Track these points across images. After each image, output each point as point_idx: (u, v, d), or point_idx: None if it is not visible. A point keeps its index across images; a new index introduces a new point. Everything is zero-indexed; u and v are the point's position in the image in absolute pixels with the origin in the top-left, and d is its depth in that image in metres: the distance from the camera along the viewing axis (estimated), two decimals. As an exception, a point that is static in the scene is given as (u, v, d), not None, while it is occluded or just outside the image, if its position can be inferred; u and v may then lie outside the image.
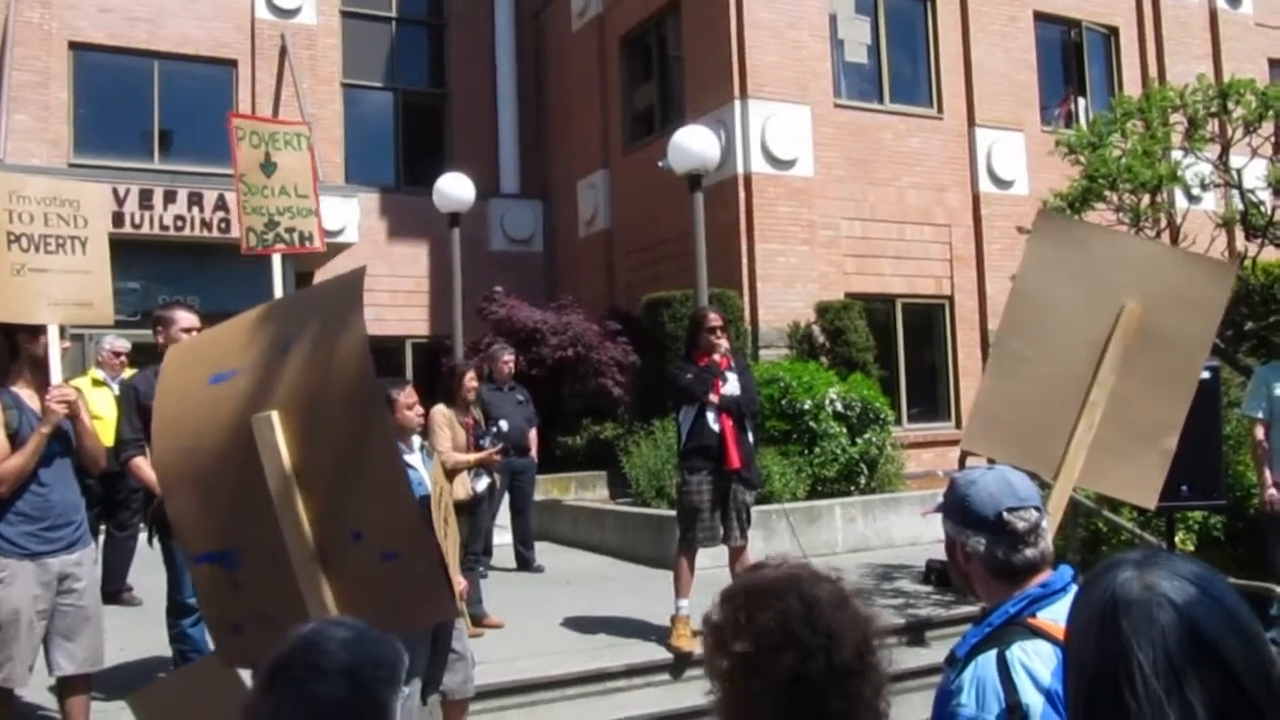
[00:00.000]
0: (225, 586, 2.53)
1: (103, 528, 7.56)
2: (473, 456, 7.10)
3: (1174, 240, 8.81)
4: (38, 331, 4.64)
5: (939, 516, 2.29)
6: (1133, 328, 3.08)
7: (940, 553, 7.95)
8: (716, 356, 6.59)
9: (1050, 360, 3.17)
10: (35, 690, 5.13)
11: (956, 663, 2.08)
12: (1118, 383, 3.07)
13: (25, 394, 4.63)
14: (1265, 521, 6.56)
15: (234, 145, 6.56)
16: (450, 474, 6.78)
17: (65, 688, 4.80)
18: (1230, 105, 7.54)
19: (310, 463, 2.41)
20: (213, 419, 2.51)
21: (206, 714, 2.51)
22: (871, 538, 10.17)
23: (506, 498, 9.26)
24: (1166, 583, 1.18)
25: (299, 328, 2.48)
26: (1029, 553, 2.12)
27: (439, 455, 6.71)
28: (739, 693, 1.50)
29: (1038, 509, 2.17)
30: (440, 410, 7.14)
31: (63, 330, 4.81)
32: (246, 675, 2.51)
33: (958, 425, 13.90)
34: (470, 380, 7.50)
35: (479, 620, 7.00)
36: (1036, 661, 1.96)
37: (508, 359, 9.40)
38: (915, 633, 7.07)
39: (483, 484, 7.07)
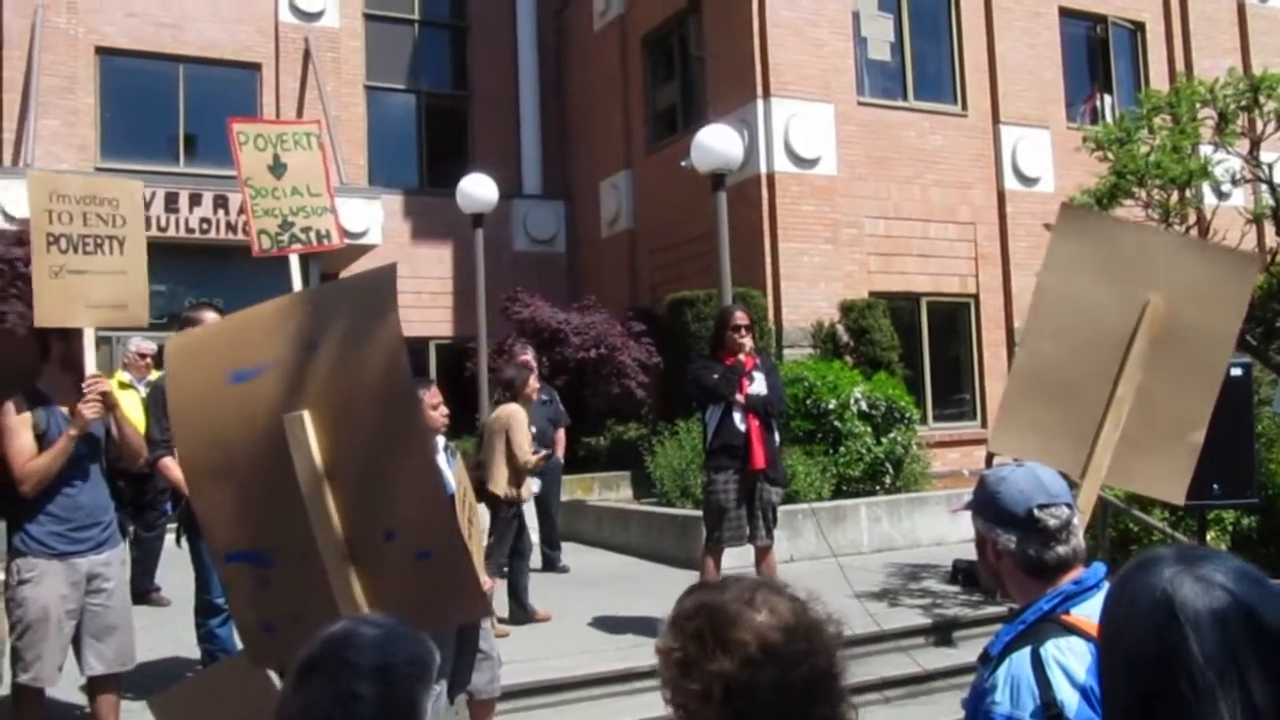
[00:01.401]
0: (255, 586, 2.53)
1: (131, 528, 7.61)
2: (537, 457, 7.22)
3: (1203, 236, 8.71)
4: (68, 333, 4.66)
5: (966, 515, 2.26)
6: (1158, 322, 3.04)
7: (967, 552, 7.90)
8: (742, 356, 6.58)
9: (1076, 357, 3.14)
10: (67, 690, 5.17)
11: (990, 660, 2.06)
12: (1144, 378, 3.04)
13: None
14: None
15: (236, 151, 6.56)
16: (523, 473, 6.95)
17: (95, 687, 4.84)
18: (1262, 99, 7.45)
19: (342, 462, 2.41)
20: (241, 417, 2.49)
21: (231, 716, 2.51)
22: (897, 538, 10.12)
23: (532, 498, 9.26)
24: (1220, 575, 1.16)
25: (328, 325, 2.46)
26: (1061, 550, 2.10)
27: (518, 455, 6.90)
28: (720, 714, 1.47)
29: (1069, 505, 2.14)
30: (519, 409, 7.16)
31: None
32: (275, 676, 2.52)
33: (983, 424, 13.81)
34: (534, 381, 7.56)
35: (531, 615, 7.12)
36: (1071, 658, 1.94)
37: (527, 358, 9.39)
38: (943, 633, 7.03)
39: (536, 486, 7.26)
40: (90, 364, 4.58)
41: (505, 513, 7.11)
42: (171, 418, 2.68)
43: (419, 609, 2.14)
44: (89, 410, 4.52)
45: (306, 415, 2.41)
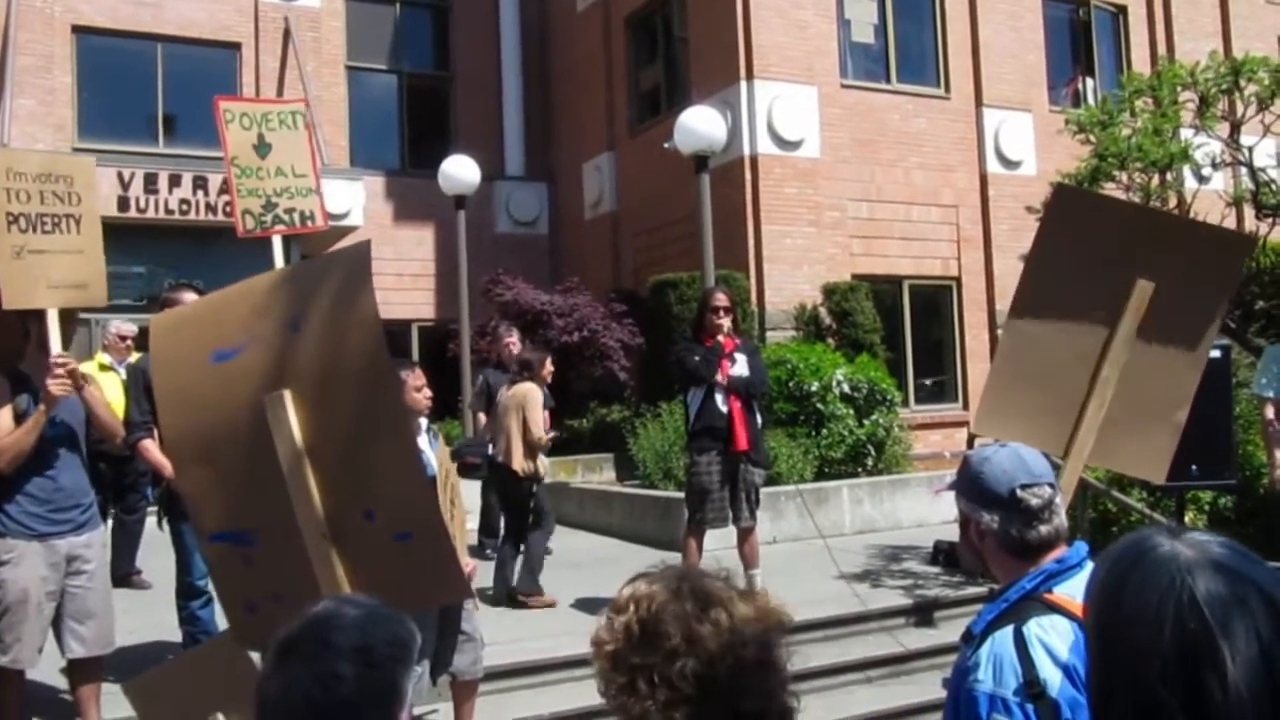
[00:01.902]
0: (238, 565, 2.52)
1: (112, 511, 7.57)
2: (550, 436, 7.60)
3: (1183, 219, 8.75)
4: (44, 315, 4.61)
5: (947, 497, 2.27)
6: (1145, 303, 3.06)
7: (948, 534, 7.96)
8: (721, 337, 6.58)
9: (1061, 339, 3.15)
10: (47, 672, 5.15)
11: (973, 639, 2.07)
12: (1130, 359, 3.05)
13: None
14: (1274, 501, 6.54)
15: (222, 129, 6.49)
16: (537, 450, 7.22)
17: (76, 671, 4.82)
18: (1242, 82, 7.48)
19: (323, 442, 2.40)
20: (222, 397, 2.48)
21: (206, 698, 2.50)
22: (879, 519, 10.17)
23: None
24: (1247, 565, 1.14)
25: (306, 304, 2.45)
26: (1043, 529, 2.11)
27: (533, 431, 7.18)
28: (644, 708, 1.46)
29: (1051, 485, 2.15)
30: (535, 388, 7.38)
31: (74, 314, 4.80)
32: (256, 658, 2.51)
33: (965, 406, 13.88)
34: (549, 364, 7.75)
35: (531, 595, 7.21)
36: (1054, 637, 1.95)
37: (510, 340, 9.38)
38: (923, 613, 7.07)
39: (547, 464, 7.58)
40: (55, 344, 4.51)
41: (522, 487, 7.30)
42: (157, 399, 2.67)
43: (399, 590, 2.14)
44: (56, 387, 4.47)
45: (287, 394, 2.40)
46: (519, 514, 7.42)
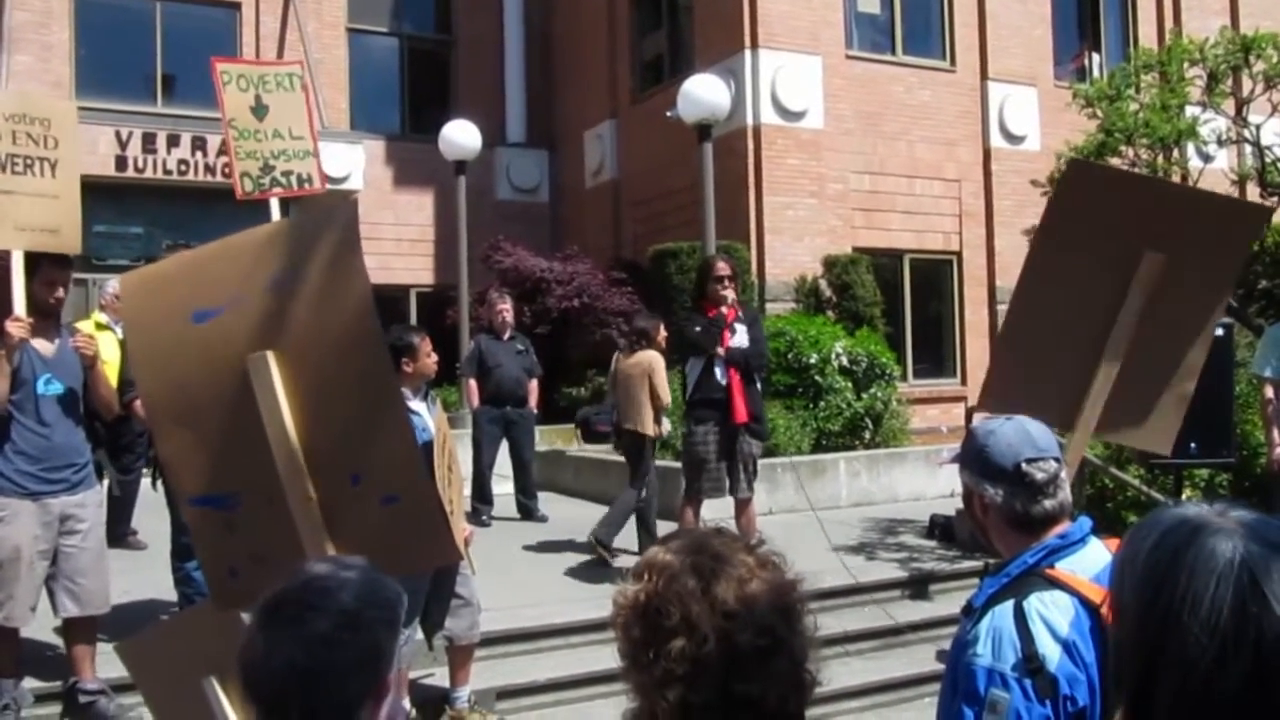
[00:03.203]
0: (220, 529, 2.49)
1: (107, 471, 7.56)
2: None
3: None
4: (36, 273, 4.57)
5: (944, 470, 2.26)
6: (1154, 276, 3.03)
7: (944, 507, 7.97)
8: (724, 308, 6.55)
9: (1068, 312, 3.13)
10: (41, 631, 5.15)
11: (973, 613, 2.06)
12: (1138, 332, 3.03)
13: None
14: (1271, 480, 6.54)
15: (219, 91, 6.44)
16: (660, 413, 7.49)
17: (71, 630, 4.83)
18: (1252, 59, 7.42)
19: (308, 404, 2.37)
20: (203, 358, 2.43)
21: (201, 660, 2.48)
22: (875, 492, 10.18)
23: (505, 448, 9.26)
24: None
25: (292, 264, 2.39)
26: (1048, 504, 2.09)
27: (664, 394, 7.35)
28: (642, 681, 1.45)
29: (1057, 460, 2.14)
30: (658, 355, 7.54)
31: (66, 273, 4.75)
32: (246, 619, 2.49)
33: (964, 381, 13.87)
34: (664, 330, 7.82)
35: (600, 546, 7.31)
36: (1054, 612, 1.93)
37: (503, 307, 9.33)
38: (918, 586, 7.10)
39: (668, 425, 7.89)
40: (19, 290, 4.43)
41: (648, 449, 7.56)
42: (132, 360, 2.61)
43: (386, 553, 2.11)
44: (15, 329, 4.39)
45: (270, 356, 2.36)
46: (638, 472, 7.61)
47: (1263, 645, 1.06)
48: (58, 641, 5.14)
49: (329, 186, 8.62)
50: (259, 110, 6.43)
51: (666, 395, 7.42)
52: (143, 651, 2.79)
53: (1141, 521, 1.22)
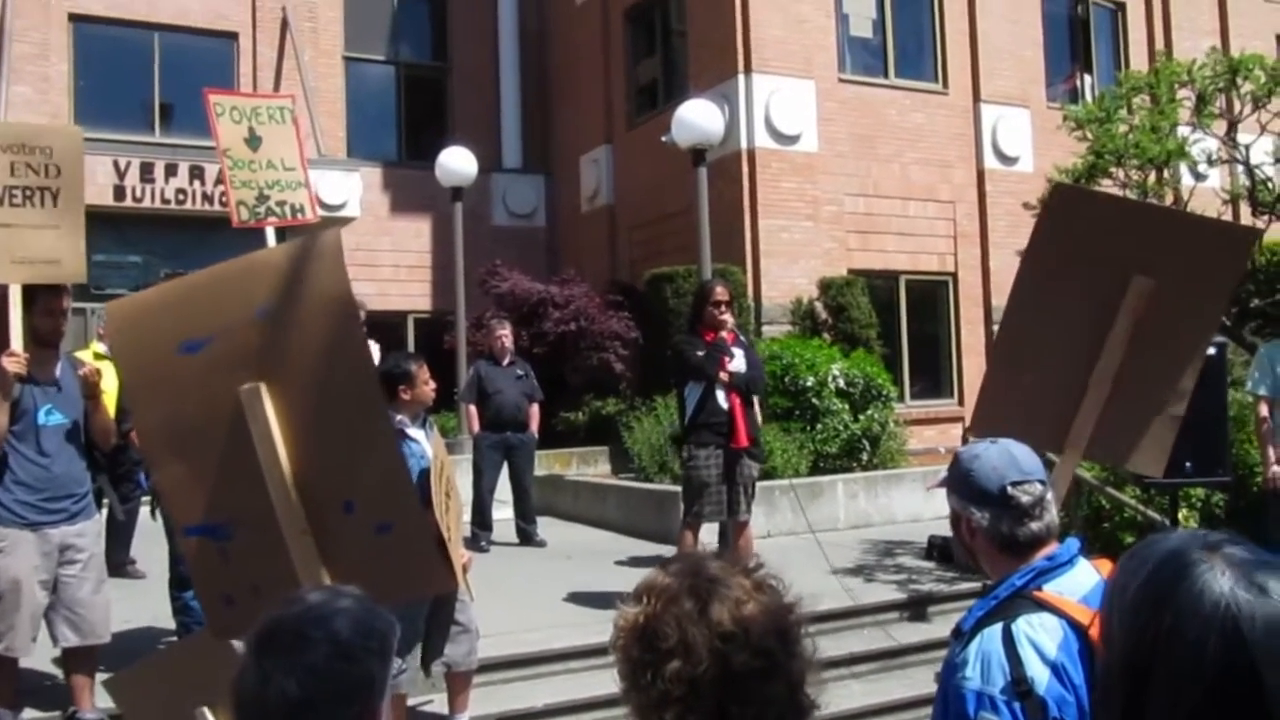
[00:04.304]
0: (215, 559, 2.50)
1: (106, 500, 7.57)
2: None
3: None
4: (36, 307, 4.59)
5: (942, 491, 2.28)
6: (1143, 300, 3.05)
7: (942, 528, 7.94)
8: (723, 333, 6.57)
9: (1058, 337, 3.15)
10: (42, 660, 5.15)
11: (962, 636, 2.07)
12: (1127, 355, 3.05)
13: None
14: (1267, 499, 6.55)
15: (213, 122, 6.51)
16: None
17: (70, 660, 4.83)
18: (1239, 80, 7.49)
19: (300, 434, 2.38)
20: (194, 389, 2.44)
21: (192, 690, 2.49)
22: (873, 514, 10.18)
23: (505, 472, 9.27)
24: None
25: (278, 293, 2.40)
26: (1034, 526, 2.11)
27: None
28: (640, 702, 1.46)
29: (1042, 482, 2.15)
30: None
31: (62, 300, 4.76)
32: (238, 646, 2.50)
33: (960, 402, 13.89)
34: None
35: None
36: (1042, 635, 1.95)
37: (502, 333, 9.36)
38: (917, 608, 7.09)
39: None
40: (15, 321, 4.42)
41: None
42: (125, 392, 2.62)
43: (379, 582, 2.12)
44: (10, 364, 4.39)
45: (263, 387, 2.37)
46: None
47: (1243, 690, 1.07)
48: (57, 671, 5.13)
49: (325, 214, 8.66)
50: (252, 141, 6.50)
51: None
52: (131, 686, 2.79)
53: (1134, 550, 1.23)
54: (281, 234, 6.91)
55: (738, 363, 6.55)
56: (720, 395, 6.50)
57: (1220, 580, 1.12)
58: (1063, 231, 3.21)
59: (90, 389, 4.71)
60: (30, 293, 4.56)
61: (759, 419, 6.97)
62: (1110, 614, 1.22)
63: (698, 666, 1.42)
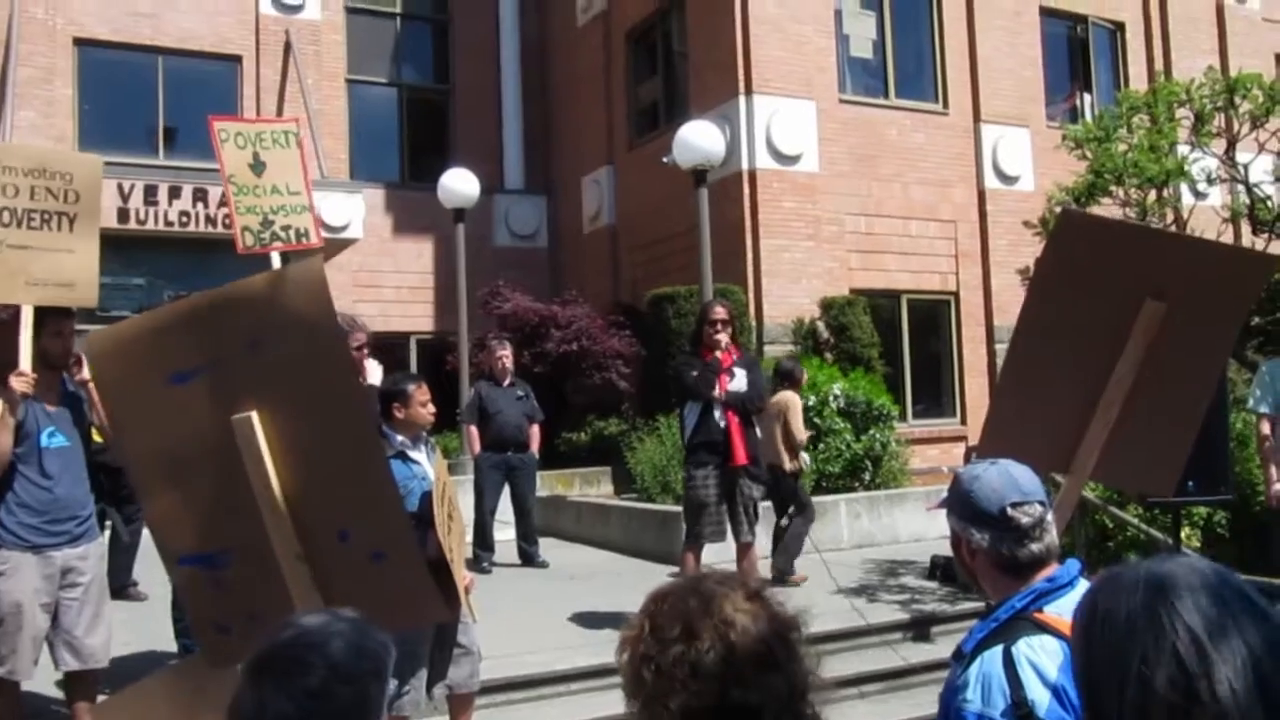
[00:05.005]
0: (209, 587, 2.49)
1: (108, 523, 7.57)
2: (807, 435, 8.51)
3: (1180, 236, 8.78)
4: (45, 328, 4.60)
5: (944, 512, 2.28)
6: (1154, 325, 3.02)
7: (945, 548, 7.92)
8: (718, 353, 6.58)
9: (1067, 361, 3.13)
10: (43, 684, 5.14)
11: (963, 658, 2.07)
12: (1138, 379, 3.03)
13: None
14: (1270, 517, 6.54)
15: (218, 148, 6.54)
16: (797, 449, 8.24)
17: (72, 683, 4.81)
18: (1237, 100, 7.52)
19: (293, 463, 2.38)
20: (186, 419, 2.44)
21: (183, 715, 2.48)
22: (877, 534, 10.16)
23: (507, 492, 9.27)
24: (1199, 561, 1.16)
25: (266, 324, 2.41)
26: (1034, 547, 2.11)
27: (796, 433, 8.16)
28: (646, 697, 1.48)
29: (1042, 503, 2.15)
30: (794, 396, 8.42)
31: (66, 320, 4.77)
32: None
33: (963, 421, 13.88)
34: (804, 371, 8.79)
35: (786, 575, 8.04)
36: (1043, 657, 1.94)
37: (503, 354, 9.38)
38: (920, 628, 7.07)
39: (807, 460, 8.71)
40: (26, 345, 4.45)
41: (786, 483, 8.28)
42: (112, 423, 2.60)
43: (376, 610, 2.13)
44: (19, 383, 4.40)
45: (255, 416, 2.38)
46: (783, 506, 8.41)
47: (1206, 712, 1.08)
48: (59, 694, 5.12)
49: (328, 236, 8.67)
50: (257, 167, 6.54)
51: (799, 433, 8.17)
52: (120, 712, 2.78)
53: (1105, 574, 1.24)
54: (286, 259, 6.95)
55: (738, 382, 6.56)
56: (717, 414, 6.51)
57: (1185, 603, 1.13)
58: (1069, 257, 3.17)
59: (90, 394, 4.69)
60: (39, 316, 4.58)
61: (759, 438, 6.96)
62: (1073, 639, 1.26)
63: (702, 650, 1.45)
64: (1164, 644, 1.11)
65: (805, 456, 8.47)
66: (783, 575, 8.03)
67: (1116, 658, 1.14)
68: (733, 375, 6.58)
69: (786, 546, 8.22)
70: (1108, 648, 1.16)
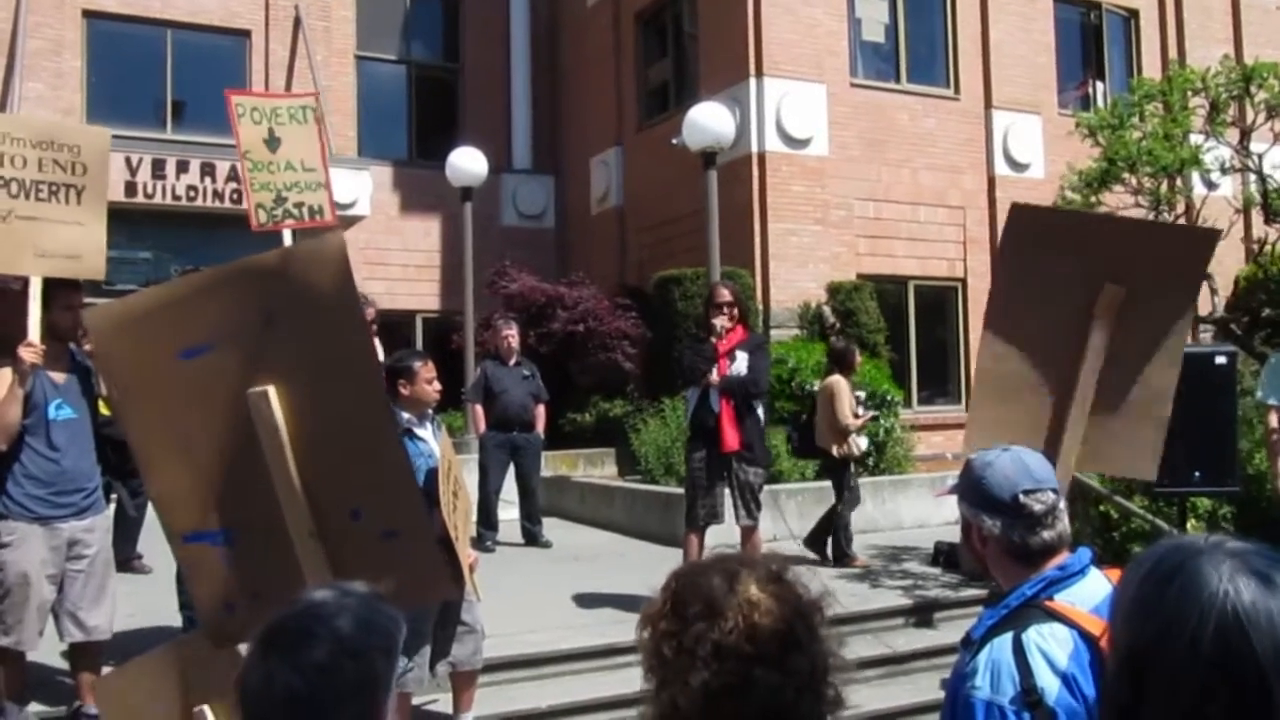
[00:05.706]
0: (216, 565, 2.47)
1: (114, 496, 7.59)
2: (859, 420, 8.47)
3: (1192, 225, 8.74)
4: (55, 300, 4.60)
5: (947, 498, 2.27)
6: (1114, 309, 3.10)
7: (948, 535, 7.95)
8: (714, 337, 6.55)
9: (1036, 352, 3.22)
10: (50, 655, 5.16)
11: (972, 644, 2.06)
12: (1106, 364, 3.10)
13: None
14: (1277, 509, 6.52)
15: (234, 123, 6.51)
16: (845, 433, 8.21)
17: (77, 655, 4.83)
18: (1253, 89, 7.46)
19: (308, 440, 2.36)
20: (197, 395, 2.41)
21: (185, 689, 2.47)
22: (880, 519, 10.16)
23: (511, 472, 9.28)
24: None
25: (280, 298, 2.38)
26: (1046, 535, 2.09)
27: (839, 419, 8.13)
28: (666, 675, 1.48)
29: (1054, 491, 2.14)
30: (842, 380, 8.37)
31: (75, 293, 4.77)
32: (242, 648, 2.49)
33: (968, 408, 13.84)
34: (858, 356, 8.75)
35: (851, 559, 8.24)
36: (1053, 645, 1.93)
37: (508, 333, 9.38)
38: (923, 614, 7.08)
39: (864, 443, 8.78)
40: (35, 317, 4.45)
41: (834, 465, 8.40)
42: (116, 398, 2.56)
43: (385, 588, 2.12)
44: (28, 354, 4.41)
45: (272, 391, 2.36)
46: (837, 489, 8.43)
47: (1245, 677, 1.07)
48: (64, 665, 5.14)
49: (338, 215, 8.64)
50: (272, 143, 6.51)
51: (844, 418, 8.12)
52: (120, 685, 2.78)
53: (1141, 552, 1.24)
54: (297, 236, 6.93)
55: (738, 366, 6.52)
56: (713, 398, 6.50)
57: (1220, 568, 1.13)
58: (1026, 250, 3.29)
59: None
60: (48, 289, 4.57)
61: (761, 422, 6.91)
62: (1114, 615, 1.23)
63: (725, 628, 1.45)
64: (1213, 605, 1.10)
65: (861, 441, 8.48)
66: (844, 556, 8.23)
67: (1170, 618, 1.13)
68: (733, 359, 6.54)
69: (835, 534, 8.31)
70: (1157, 607, 1.14)
